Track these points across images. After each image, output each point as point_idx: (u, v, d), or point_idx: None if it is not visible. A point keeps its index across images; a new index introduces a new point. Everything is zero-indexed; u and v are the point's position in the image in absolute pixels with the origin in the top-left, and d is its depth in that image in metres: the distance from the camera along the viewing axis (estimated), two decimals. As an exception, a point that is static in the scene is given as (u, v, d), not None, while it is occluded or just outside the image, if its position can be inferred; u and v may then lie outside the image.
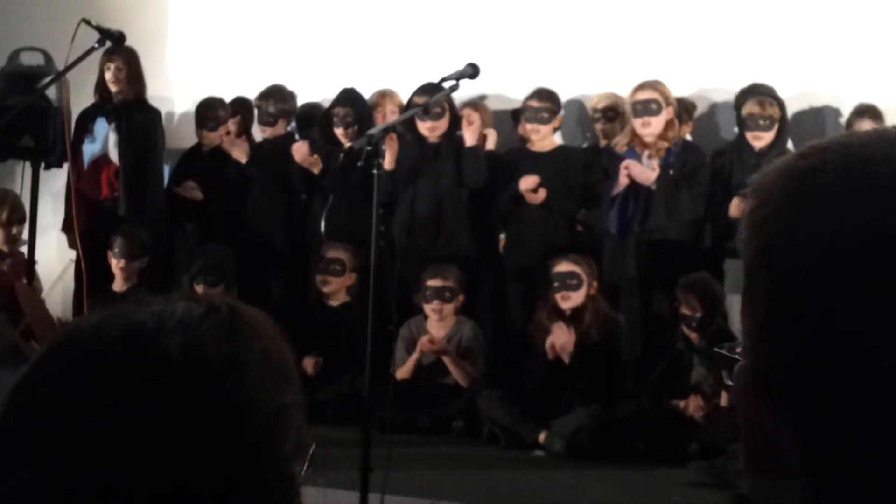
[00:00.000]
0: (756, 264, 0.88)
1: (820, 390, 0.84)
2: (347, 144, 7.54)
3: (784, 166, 0.89)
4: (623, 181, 7.00)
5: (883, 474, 0.83)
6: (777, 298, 0.86)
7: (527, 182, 7.24)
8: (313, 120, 8.22)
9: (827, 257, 0.84)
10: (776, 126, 7.07)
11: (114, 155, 8.01)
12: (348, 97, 7.81)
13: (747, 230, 0.89)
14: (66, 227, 7.99)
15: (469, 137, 7.34)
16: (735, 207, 6.69)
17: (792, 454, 0.86)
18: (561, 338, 6.74)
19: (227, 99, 8.41)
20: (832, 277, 0.84)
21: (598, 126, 7.70)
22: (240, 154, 8.08)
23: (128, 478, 1.03)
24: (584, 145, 7.97)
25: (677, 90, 7.29)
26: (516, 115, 7.78)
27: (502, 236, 7.56)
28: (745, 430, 0.88)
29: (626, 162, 7.01)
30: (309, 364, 7.23)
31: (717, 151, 7.40)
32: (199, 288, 7.36)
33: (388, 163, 7.10)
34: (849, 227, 0.84)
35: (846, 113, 7.36)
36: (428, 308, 7.18)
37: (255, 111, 8.32)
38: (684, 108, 7.44)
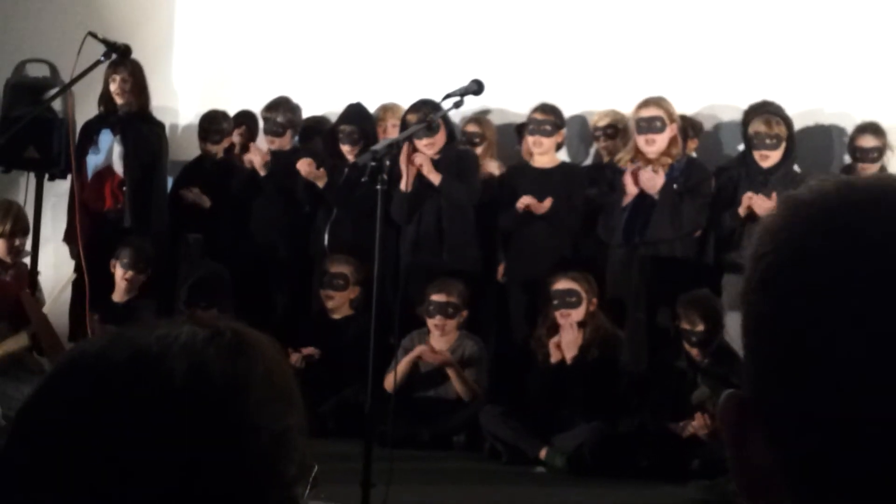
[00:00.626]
0: (744, 294, 0.90)
1: (797, 414, 0.84)
2: (353, 160, 7.55)
3: (777, 206, 0.91)
4: (631, 189, 6.97)
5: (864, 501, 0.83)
6: (757, 323, 0.88)
7: (524, 201, 7.23)
8: (316, 133, 8.22)
9: (797, 277, 0.85)
10: (783, 145, 7.06)
11: (118, 166, 8.01)
12: (354, 114, 7.80)
13: (747, 268, 0.90)
14: (69, 238, 7.98)
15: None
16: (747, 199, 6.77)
17: (777, 480, 0.86)
18: (567, 336, 6.74)
19: (231, 112, 8.42)
20: (802, 298, 0.85)
21: (600, 144, 7.70)
22: (259, 162, 8.00)
23: (133, 501, 1.04)
24: (588, 162, 7.97)
25: (682, 108, 7.29)
26: (520, 131, 7.78)
27: (501, 263, 7.54)
28: (731, 454, 0.89)
29: (633, 168, 6.98)
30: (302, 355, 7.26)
31: (720, 167, 7.40)
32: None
33: (406, 184, 7.07)
34: (815, 246, 0.85)
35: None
36: (431, 323, 7.17)
37: (262, 123, 8.31)
38: (690, 125, 7.43)
